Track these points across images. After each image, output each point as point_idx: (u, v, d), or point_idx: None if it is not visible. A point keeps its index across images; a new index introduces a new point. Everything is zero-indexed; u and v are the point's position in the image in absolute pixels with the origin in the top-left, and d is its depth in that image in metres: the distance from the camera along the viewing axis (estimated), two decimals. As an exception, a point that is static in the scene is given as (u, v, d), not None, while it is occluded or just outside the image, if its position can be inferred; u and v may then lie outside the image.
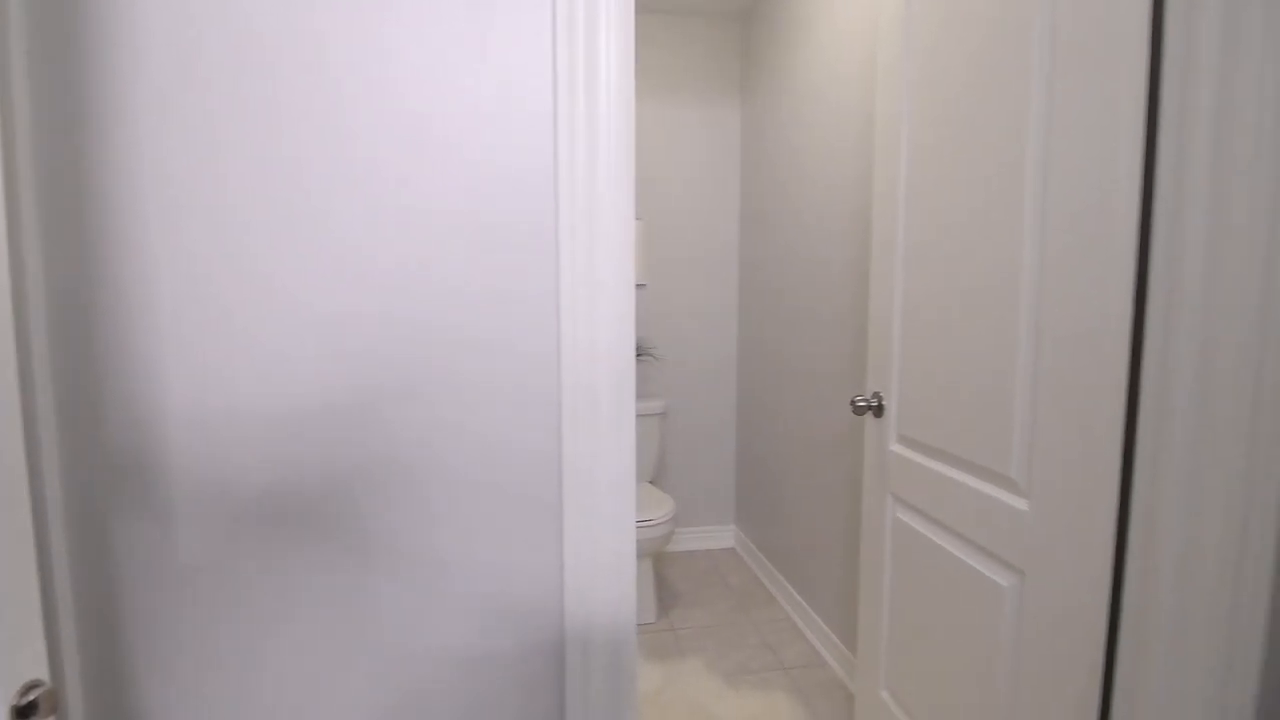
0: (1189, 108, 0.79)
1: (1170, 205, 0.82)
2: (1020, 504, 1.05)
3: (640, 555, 2.30)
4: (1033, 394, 1.03)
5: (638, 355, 2.91)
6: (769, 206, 2.60)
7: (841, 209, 2.01)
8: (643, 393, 2.96)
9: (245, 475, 0.89)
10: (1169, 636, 0.84)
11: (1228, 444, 0.77)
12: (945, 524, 1.25)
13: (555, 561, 0.98)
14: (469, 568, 0.96)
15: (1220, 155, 0.76)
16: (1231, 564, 0.78)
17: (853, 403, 1.51)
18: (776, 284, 2.55)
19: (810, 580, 2.29)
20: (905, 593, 1.42)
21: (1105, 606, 0.92)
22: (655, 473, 2.93)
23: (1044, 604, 1.01)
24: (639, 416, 2.74)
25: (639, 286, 2.90)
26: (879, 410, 1.50)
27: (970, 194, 1.16)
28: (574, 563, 0.97)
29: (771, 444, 2.64)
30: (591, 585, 0.98)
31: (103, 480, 0.86)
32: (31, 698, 0.57)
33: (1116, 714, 0.91)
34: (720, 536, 3.13)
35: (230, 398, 0.87)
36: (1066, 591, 0.97)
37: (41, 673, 0.61)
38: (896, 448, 1.44)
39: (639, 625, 2.35)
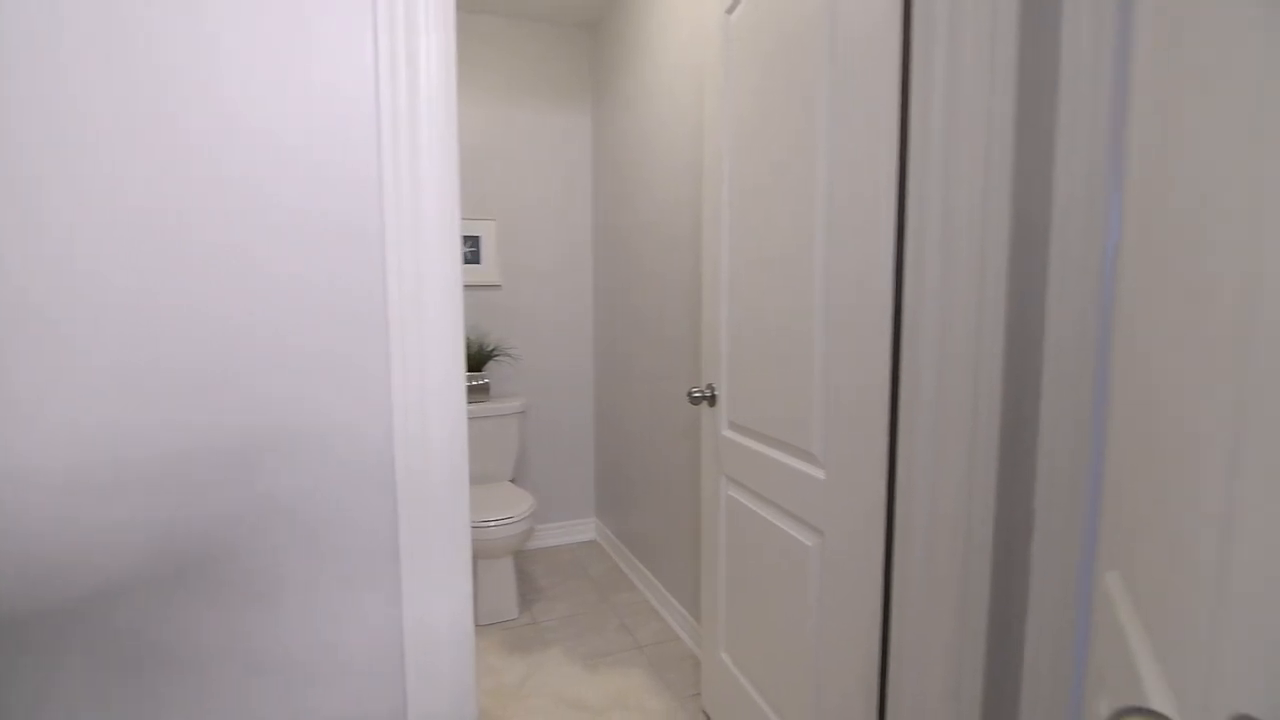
0: (927, 110, 0.98)
1: (915, 215, 1.01)
2: (820, 474, 1.23)
3: (500, 553, 2.33)
4: (825, 380, 1.20)
5: (496, 356, 2.92)
6: (618, 210, 2.73)
7: (680, 212, 2.17)
8: (502, 392, 2.98)
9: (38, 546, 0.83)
10: (923, 573, 1.04)
11: (958, 426, 0.97)
12: (766, 496, 1.42)
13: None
14: (302, 656, 0.97)
15: (950, 142, 0.96)
16: (964, 516, 0.98)
17: (689, 394, 1.66)
18: (626, 284, 2.68)
19: (664, 562, 2.44)
20: (738, 562, 1.58)
21: (881, 554, 1.11)
22: (515, 471, 2.96)
23: (839, 557, 1.20)
24: (499, 416, 2.75)
25: (494, 287, 2.91)
26: (712, 400, 1.66)
27: (776, 201, 1.33)
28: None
29: (627, 437, 2.77)
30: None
31: None
32: None
33: (894, 638, 1.10)
34: (582, 530, 3.22)
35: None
36: (854, 545, 1.15)
37: None
38: (728, 433, 1.60)
39: (502, 622, 2.38)
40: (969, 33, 0.93)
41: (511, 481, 2.89)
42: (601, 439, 3.11)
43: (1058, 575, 0.94)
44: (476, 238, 2.84)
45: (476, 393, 2.76)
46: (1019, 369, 0.96)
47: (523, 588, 2.68)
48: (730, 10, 1.51)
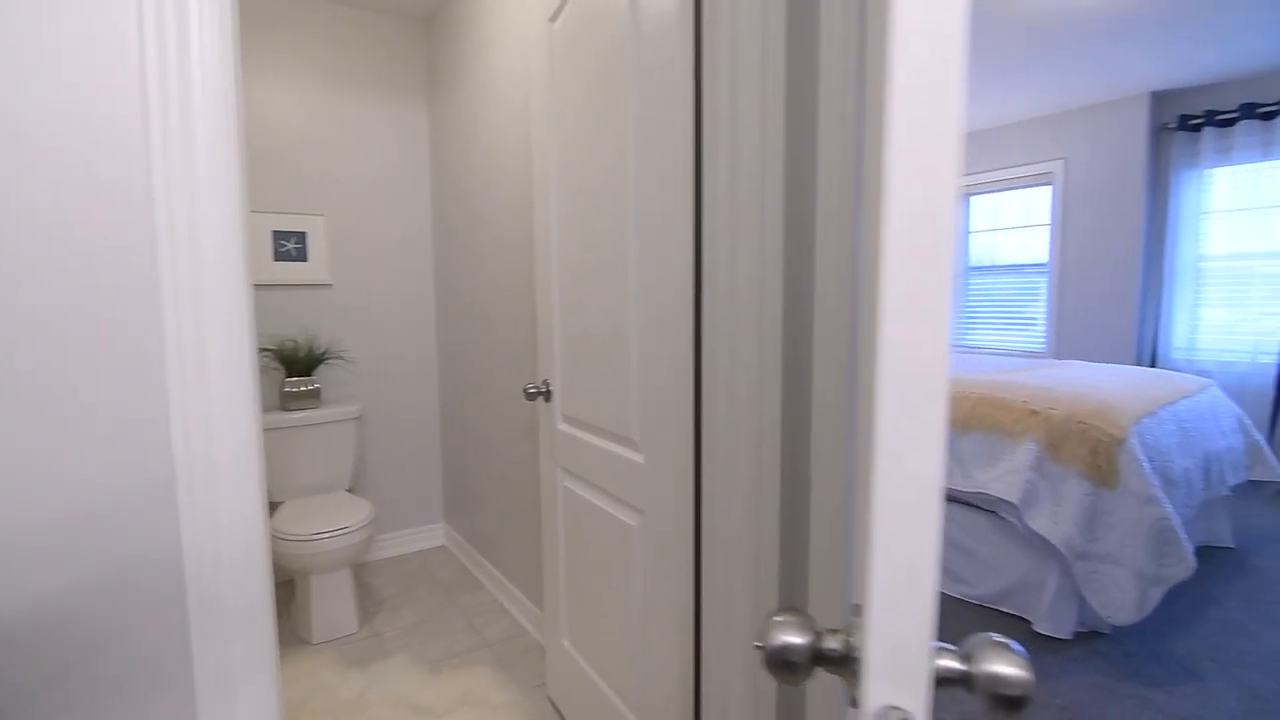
0: (715, 135, 1.10)
1: (709, 231, 1.12)
2: (639, 459, 1.33)
3: (336, 566, 2.22)
4: (641, 372, 1.30)
5: (328, 359, 2.76)
6: (457, 208, 2.69)
7: (517, 211, 2.20)
8: (336, 396, 2.82)
9: None
10: (725, 546, 1.16)
11: (747, 415, 1.10)
12: (595, 483, 1.50)
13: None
14: None
15: (734, 168, 1.08)
16: (753, 496, 1.12)
17: (525, 390, 1.69)
18: (468, 282, 2.65)
19: (511, 560, 2.46)
20: (575, 549, 1.65)
21: (692, 528, 1.22)
22: (354, 479, 2.82)
23: (657, 533, 1.30)
24: (333, 422, 2.61)
25: (324, 286, 2.75)
26: (548, 395, 1.71)
27: (597, 206, 1.41)
28: None
29: (472, 438, 2.75)
30: None
31: None
32: None
33: (705, 602, 1.22)
34: (430, 535, 3.13)
35: None
36: (669, 522, 1.26)
37: None
38: (562, 426, 1.66)
39: (340, 638, 2.26)
40: (745, 57, 1.05)
41: (349, 491, 2.76)
42: (448, 441, 3.05)
43: (830, 526, 1.10)
44: (303, 234, 2.67)
45: (307, 399, 2.60)
46: (794, 346, 1.11)
47: (364, 600, 2.57)
48: (553, 19, 1.57)
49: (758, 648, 0.45)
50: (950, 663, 0.39)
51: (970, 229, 5.19)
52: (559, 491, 1.70)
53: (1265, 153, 3.72)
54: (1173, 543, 2.04)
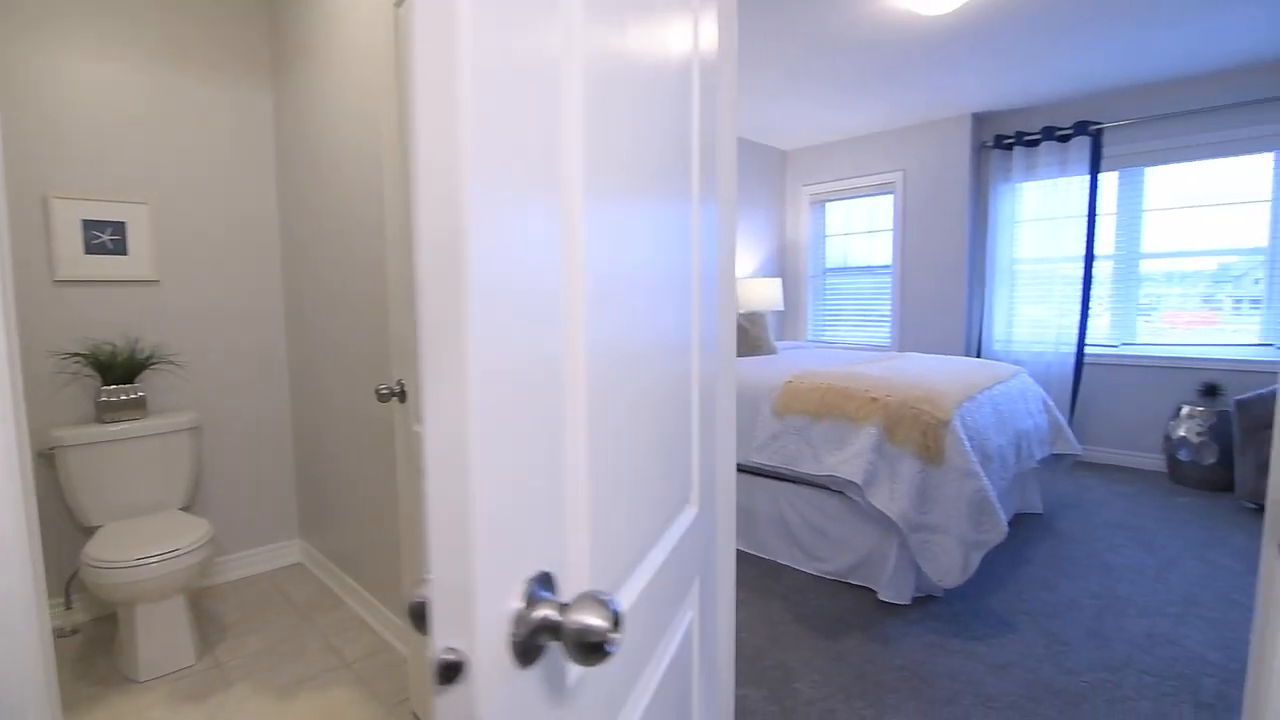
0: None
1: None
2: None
3: (166, 593, 2.00)
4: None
5: (153, 363, 2.48)
6: (308, 196, 2.52)
7: (372, 203, 2.09)
8: (165, 405, 2.54)
9: None
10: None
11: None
12: (454, 486, 1.46)
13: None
14: None
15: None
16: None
17: (377, 391, 1.61)
18: (321, 281, 2.48)
19: (374, 573, 2.33)
20: (435, 555, 1.59)
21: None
22: (191, 496, 2.55)
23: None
24: (162, 434, 2.35)
25: (148, 283, 2.47)
26: (402, 396, 1.64)
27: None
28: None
29: (328, 446, 2.58)
30: None
31: None
32: None
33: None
34: (284, 553, 2.90)
35: None
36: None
37: None
38: (419, 428, 1.60)
39: (173, 673, 2.04)
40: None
41: (184, 509, 2.50)
42: (302, 450, 2.84)
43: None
44: (121, 224, 2.38)
45: (129, 409, 2.32)
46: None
47: (204, 629, 2.33)
48: (399, 4, 1.51)
49: (406, 604, 0.49)
50: (548, 613, 0.46)
51: (826, 233, 5.57)
52: (418, 496, 1.63)
53: (1062, 170, 4.29)
54: (989, 511, 2.30)
